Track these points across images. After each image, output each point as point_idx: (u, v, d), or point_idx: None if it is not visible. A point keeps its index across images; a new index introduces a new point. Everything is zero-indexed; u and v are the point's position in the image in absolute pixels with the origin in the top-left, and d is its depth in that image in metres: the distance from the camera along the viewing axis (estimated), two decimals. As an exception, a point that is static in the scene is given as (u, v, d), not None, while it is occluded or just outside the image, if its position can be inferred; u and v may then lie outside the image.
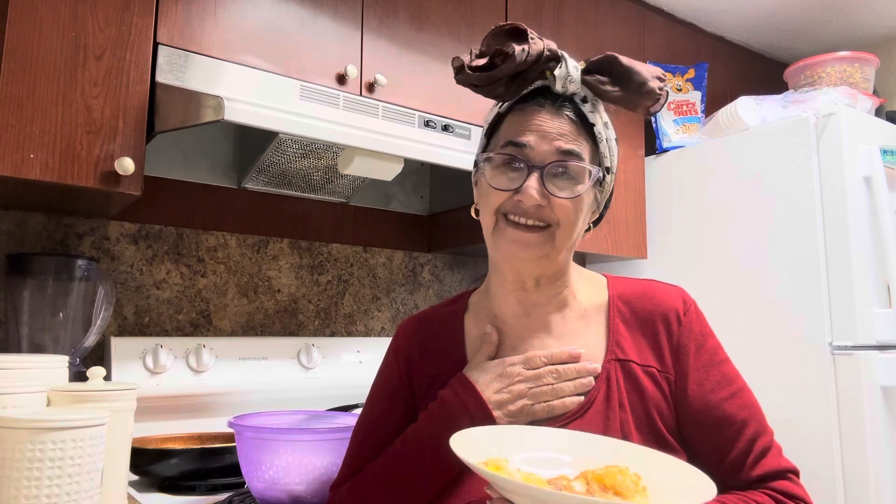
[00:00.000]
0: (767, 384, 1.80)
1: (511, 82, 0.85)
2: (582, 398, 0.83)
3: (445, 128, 1.65)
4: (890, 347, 1.72)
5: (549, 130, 0.84)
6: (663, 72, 0.87)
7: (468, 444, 0.70)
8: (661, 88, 0.85)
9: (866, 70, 2.08)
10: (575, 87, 0.86)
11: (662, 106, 0.86)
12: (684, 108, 2.19)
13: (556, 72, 0.85)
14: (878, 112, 2.03)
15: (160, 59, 1.32)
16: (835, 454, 1.65)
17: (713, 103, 2.27)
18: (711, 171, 2.04)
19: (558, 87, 0.85)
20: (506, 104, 0.89)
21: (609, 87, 0.86)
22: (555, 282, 0.91)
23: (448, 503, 0.81)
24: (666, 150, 2.18)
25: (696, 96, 2.20)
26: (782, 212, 1.84)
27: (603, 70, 0.86)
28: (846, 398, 1.67)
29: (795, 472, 0.82)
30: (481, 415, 0.82)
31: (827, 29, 2.47)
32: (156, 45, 1.32)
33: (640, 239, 2.15)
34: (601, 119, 0.88)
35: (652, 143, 2.22)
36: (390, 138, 1.48)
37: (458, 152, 1.57)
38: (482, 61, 0.86)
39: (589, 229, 0.92)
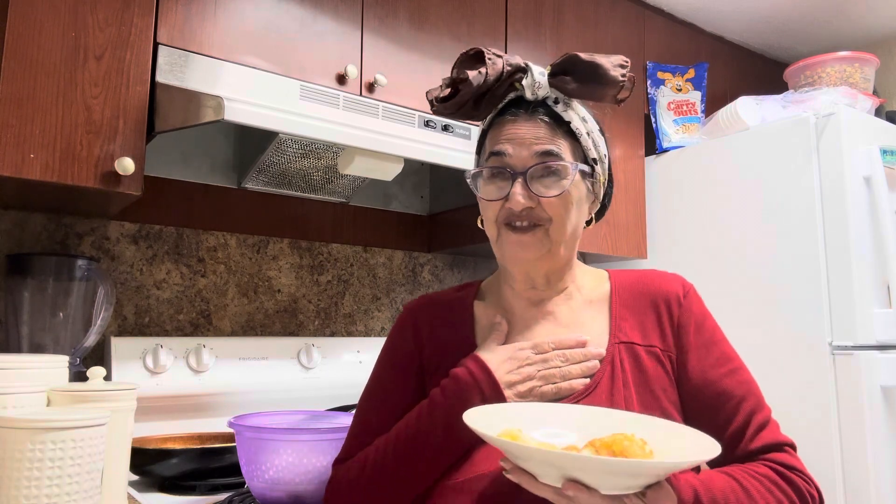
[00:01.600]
0: (767, 384, 1.79)
1: (480, 102, 0.91)
2: (588, 380, 0.86)
3: (445, 128, 1.65)
4: (890, 347, 1.72)
5: (525, 136, 0.89)
6: (625, 59, 0.91)
7: (481, 419, 0.74)
8: (623, 75, 0.89)
9: (866, 70, 2.08)
10: (544, 91, 0.90)
11: (630, 91, 0.89)
12: (684, 108, 2.19)
13: (524, 81, 0.90)
14: (878, 112, 2.03)
15: (160, 59, 1.32)
16: (835, 454, 1.65)
17: (713, 103, 2.27)
18: (711, 171, 2.04)
19: (529, 95, 0.90)
20: (487, 120, 0.94)
21: (575, 85, 0.90)
22: (562, 277, 0.95)
23: (458, 477, 0.82)
24: (666, 150, 2.18)
25: (696, 96, 2.20)
26: (782, 212, 1.84)
27: (567, 70, 0.91)
28: (846, 398, 1.66)
29: (792, 446, 0.84)
30: (493, 393, 0.84)
31: (827, 29, 2.47)
32: (156, 45, 1.32)
33: (640, 239, 2.15)
34: (577, 115, 0.92)
35: (652, 143, 2.22)
36: (390, 138, 1.48)
37: (458, 152, 1.57)
38: (448, 91, 0.92)
39: (591, 221, 0.96)
